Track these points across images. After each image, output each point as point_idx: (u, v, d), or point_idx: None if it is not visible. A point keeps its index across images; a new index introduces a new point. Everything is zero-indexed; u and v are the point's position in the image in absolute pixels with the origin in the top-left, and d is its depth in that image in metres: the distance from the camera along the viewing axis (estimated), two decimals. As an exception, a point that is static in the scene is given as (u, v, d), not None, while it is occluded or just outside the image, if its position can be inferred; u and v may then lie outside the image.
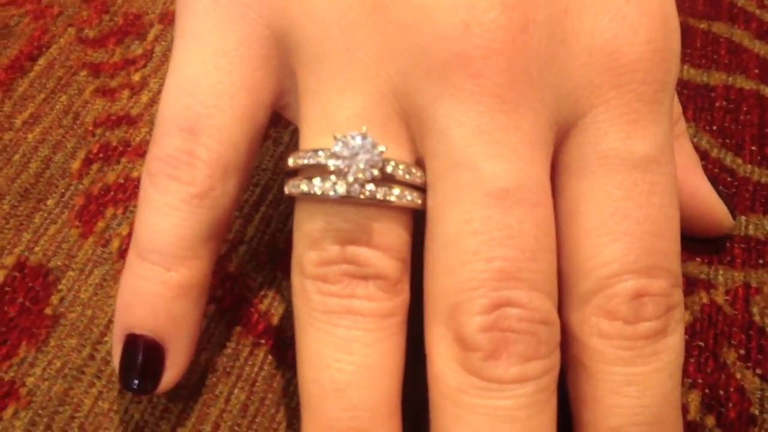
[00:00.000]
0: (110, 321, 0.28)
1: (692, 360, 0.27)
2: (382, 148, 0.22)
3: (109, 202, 0.31)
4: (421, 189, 0.23)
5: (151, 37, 0.37)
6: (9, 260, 0.30)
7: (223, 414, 0.26)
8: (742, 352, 0.28)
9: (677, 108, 0.29)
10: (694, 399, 0.27)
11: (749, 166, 0.32)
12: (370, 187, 0.22)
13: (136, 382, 0.25)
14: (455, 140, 0.22)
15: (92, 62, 0.36)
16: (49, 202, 0.31)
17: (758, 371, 0.27)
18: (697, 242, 0.30)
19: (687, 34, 0.36)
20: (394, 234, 0.23)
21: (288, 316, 0.28)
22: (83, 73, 0.35)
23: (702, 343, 0.28)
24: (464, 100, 0.22)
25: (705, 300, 0.29)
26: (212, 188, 0.24)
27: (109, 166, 0.32)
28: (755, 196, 0.31)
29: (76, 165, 0.32)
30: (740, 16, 0.37)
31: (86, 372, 0.27)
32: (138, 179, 0.32)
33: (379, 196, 0.22)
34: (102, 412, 0.26)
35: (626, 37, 0.23)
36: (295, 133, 0.33)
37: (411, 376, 0.23)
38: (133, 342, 0.25)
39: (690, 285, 0.29)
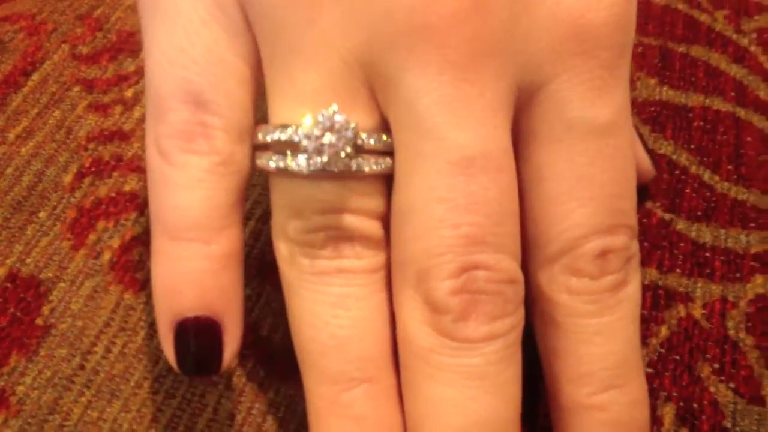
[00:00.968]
0: (100, 332, 0.29)
1: (668, 374, 0.28)
2: (353, 125, 0.23)
3: (100, 215, 0.32)
4: (392, 153, 0.24)
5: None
6: (1, 271, 0.30)
7: (210, 423, 0.27)
8: (716, 366, 0.28)
9: None
10: (669, 412, 0.27)
11: (726, 183, 0.33)
12: (345, 161, 0.23)
13: (198, 365, 0.24)
14: (419, 110, 0.23)
15: (85, 78, 0.36)
16: (42, 214, 0.32)
17: (731, 385, 0.28)
18: (679, 252, 0.30)
19: (666, 56, 0.37)
20: (371, 197, 0.24)
21: (276, 329, 0.29)
22: (76, 88, 0.36)
23: (678, 357, 0.28)
24: (428, 71, 0.22)
25: (682, 314, 0.29)
26: (233, 153, 0.24)
27: (101, 180, 0.33)
28: (733, 212, 0.32)
29: (68, 178, 0.33)
30: (717, 40, 0.38)
31: (76, 381, 0.28)
32: (130, 193, 0.32)
33: (353, 167, 0.23)
34: (91, 421, 0.27)
35: (590, 2, 0.23)
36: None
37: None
38: (187, 327, 0.24)
39: (669, 298, 0.30)
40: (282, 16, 0.23)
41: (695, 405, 0.27)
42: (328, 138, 0.23)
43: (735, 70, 0.37)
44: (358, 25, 0.23)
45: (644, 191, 0.32)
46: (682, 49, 0.38)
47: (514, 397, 0.24)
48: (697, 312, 0.29)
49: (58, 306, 0.29)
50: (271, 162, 0.24)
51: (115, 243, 0.31)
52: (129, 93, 0.36)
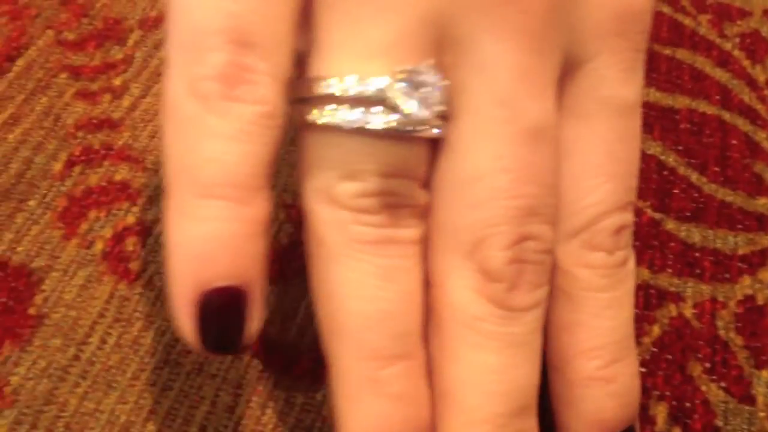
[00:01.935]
0: (95, 322, 0.28)
1: (660, 373, 0.29)
2: (446, 82, 0.22)
3: (92, 204, 0.31)
4: (446, 118, 0.23)
5: (131, 42, 0.37)
6: (-9, 260, 0.30)
7: (209, 416, 0.27)
8: (707, 365, 0.29)
9: None
10: (662, 411, 0.28)
11: (713, 185, 0.33)
12: (424, 121, 0.22)
13: (222, 341, 0.21)
14: (496, 76, 0.22)
15: (72, 65, 0.36)
16: (31, 202, 0.31)
17: (722, 384, 0.29)
18: (669, 252, 0.31)
19: (653, 59, 0.38)
20: (425, 164, 0.23)
21: (274, 321, 0.29)
22: (63, 75, 0.35)
23: (670, 356, 0.29)
24: (507, 36, 0.22)
25: (674, 313, 0.30)
26: (278, 104, 0.21)
27: (92, 169, 0.32)
28: (720, 214, 0.33)
29: (58, 167, 0.32)
30: (702, 44, 0.39)
31: (71, 372, 0.27)
32: (121, 183, 0.32)
33: (430, 131, 0.22)
34: (88, 412, 0.27)
35: None
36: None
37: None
38: (214, 298, 0.21)
39: (660, 298, 0.30)
40: None
41: (687, 404, 0.28)
42: (414, 96, 0.21)
43: (719, 74, 0.37)
44: None
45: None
46: (667, 51, 0.38)
47: (541, 364, 0.24)
48: (688, 312, 0.30)
49: (51, 295, 0.29)
50: (338, 116, 0.21)
51: (108, 233, 0.31)
52: (117, 81, 0.35)
